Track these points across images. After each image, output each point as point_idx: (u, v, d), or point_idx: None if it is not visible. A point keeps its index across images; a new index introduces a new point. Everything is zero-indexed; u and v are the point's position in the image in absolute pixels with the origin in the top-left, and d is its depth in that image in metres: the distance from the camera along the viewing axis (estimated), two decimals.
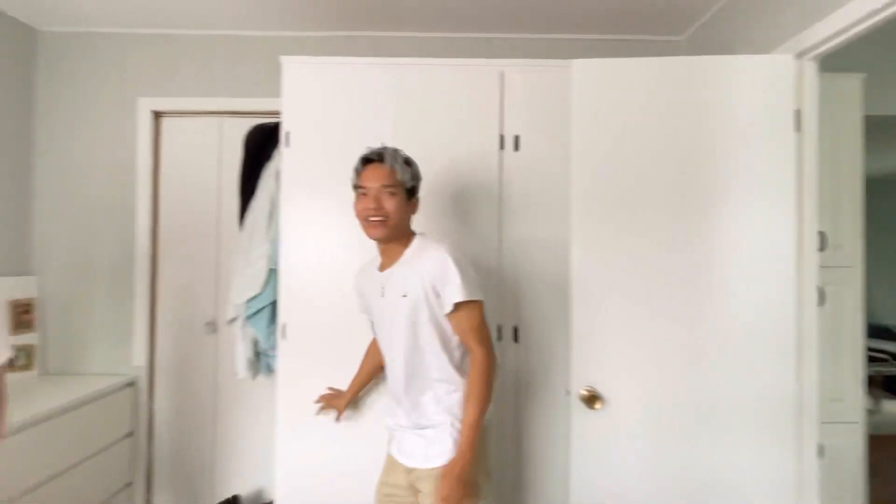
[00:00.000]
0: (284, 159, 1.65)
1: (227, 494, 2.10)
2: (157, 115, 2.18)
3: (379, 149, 1.23)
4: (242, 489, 2.13)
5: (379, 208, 1.17)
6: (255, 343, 1.78)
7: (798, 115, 1.36)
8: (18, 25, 2.07)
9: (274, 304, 1.68)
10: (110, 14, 2.02)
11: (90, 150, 2.14)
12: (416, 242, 1.24)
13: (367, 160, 1.23)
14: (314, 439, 1.61)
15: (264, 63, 2.15)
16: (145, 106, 2.14)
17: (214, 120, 2.18)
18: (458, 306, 1.14)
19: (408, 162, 1.23)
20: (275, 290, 1.66)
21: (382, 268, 1.27)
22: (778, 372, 1.33)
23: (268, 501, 2.02)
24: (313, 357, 1.61)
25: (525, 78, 1.67)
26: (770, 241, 1.35)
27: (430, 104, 1.66)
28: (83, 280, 2.12)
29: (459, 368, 1.19)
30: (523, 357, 1.66)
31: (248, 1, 1.91)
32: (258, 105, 2.11)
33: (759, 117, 1.36)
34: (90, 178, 2.14)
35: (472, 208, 1.65)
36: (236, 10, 1.99)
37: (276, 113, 2.05)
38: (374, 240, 1.23)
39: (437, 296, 1.16)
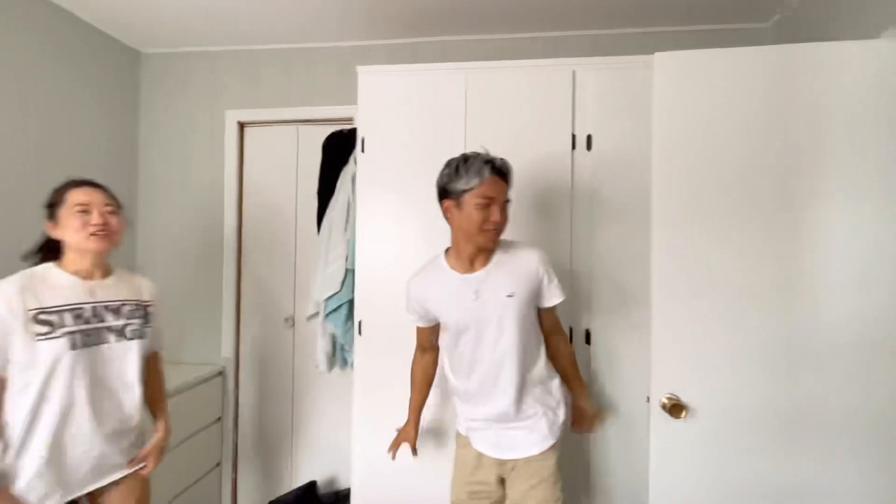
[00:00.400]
0: (360, 164, 1.73)
1: (305, 479, 2.24)
2: (242, 126, 2.35)
3: (503, 161, 1.24)
4: (319, 475, 2.26)
5: (500, 220, 1.21)
6: (333, 338, 1.89)
7: None
8: (125, 49, 2.31)
9: (351, 302, 1.77)
10: (202, 34, 2.21)
11: (185, 159, 2.36)
12: (501, 244, 1.29)
13: (495, 170, 1.21)
14: (389, 431, 1.68)
15: (336, 73, 2.27)
16: (232, 118, 2.32)
17: (292, 128, 2.33)
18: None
19: (511, 172, 1.29)
20: (352, 289, 1.75)
21: (466, 270, 1.27)
22: (889, 385, 1.22)
23: (344, 489, 2.13)
24: (387, 352, 1.68)
25: (597, 76, 1.64)
26: (878, 245, 1.24)
27: (500, 106, 1.67)
28: (179, 278, 2.34)
29: (545, 359, 1.33)
30: (594, 359, 1.64)
31: (320, 15, 2.02)
32: (332, 113, 2.24)
33: (866, 109, 1.25)
34: (185, 185, 2.36)
35: (544, 209, 1.65)
36: (310, 23, 2.10)
37: (349, 119, 2.18)
38: (484, 249, 1.26)
39: (538, 295, 1.29)
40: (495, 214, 1.19)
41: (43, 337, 1.10)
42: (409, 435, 1.46)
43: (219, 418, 2.28)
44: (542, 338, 1.35)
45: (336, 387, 2.23)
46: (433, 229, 1.68)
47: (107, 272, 1.27)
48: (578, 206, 1.64)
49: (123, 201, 1.32)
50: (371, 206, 1.72)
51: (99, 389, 1.18)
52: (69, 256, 1.20)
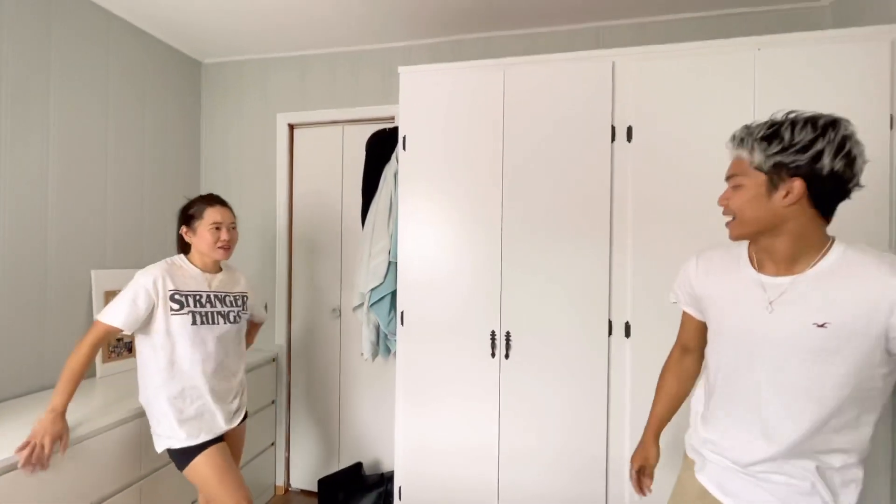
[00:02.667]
0: (401, 161, 1.81)
1: (352, 461, 2.37)
2: (291, 127, 2.50)
3: (739, 129, 0.94)
4: (364, 458, 2.39)
5: (726, 206, 0.96)
6: (377, 328, 1.99)
7: None
8: (187, 60, 2.51)
9: (394, 294, 1.86)
10: (255, 42, 2.36)
11: (241, 159, 2.54)
12: (838, 250, 0.88)
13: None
14: (431, 418, 1.76)
15: (378, 73, 2.35)
16: (282, 120, 2.47)
17: (337, 128, 2.44)
18: None
19: (768, 137, 0.87)
20: (394, 281, 1.84)
21: (765, 269, 0.95)
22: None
23: (388, 471, 2.24)
24: (428, 342, 1.76)
25: (638, 66, 1.62)
26: None
27: (539, 99, 1.69)
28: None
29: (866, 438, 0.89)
30: (635, 354, 1.63)
31: (363, 18, 2.10)
32: (375, 112, 2.33)
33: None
34: (242, 183, 2.54)
35: (583, 201, 1.65)
36: (355, 27, 2.19)
37: (391, 119, 2.27)
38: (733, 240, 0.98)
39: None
40: (723, 195, 0.98)
41: (175, 312, 1.41)
42: (648, 455, 1.19)
43: (273, 401, 2.45)
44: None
45: (380, 374, 2.34)
46: (472, 222, 1.73)
47: (219, 268, 1.58)
48: (618, 197, 1.64)
49: (188, 196, 1.51)
50: (412, 201, 1.79)
51: (212, 356, 1.47)
52: (195, 255, 1.52)
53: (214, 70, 2.57)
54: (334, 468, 2.41)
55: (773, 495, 0.92)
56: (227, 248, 1.51)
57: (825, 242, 0.90)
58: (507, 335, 1.70)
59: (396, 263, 1.83)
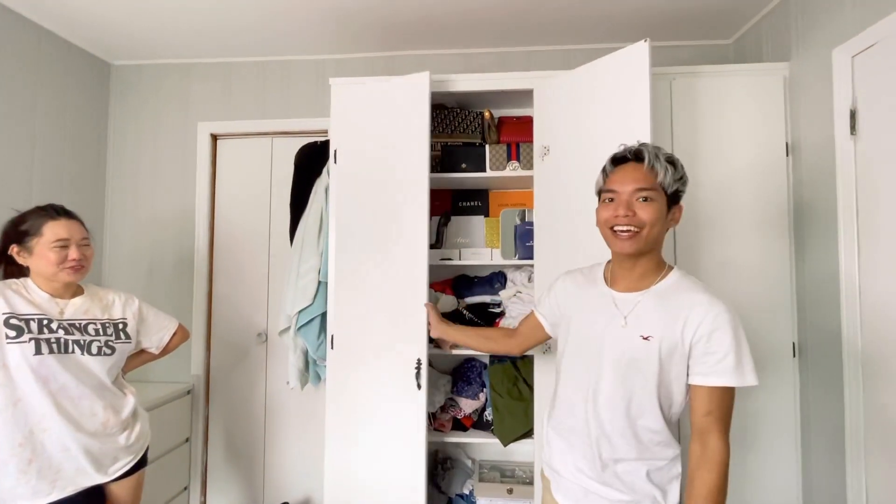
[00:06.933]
0: (332, 175, 1.72)
1: (278, 502, 2.16)
2: (215, 138, 2.32)
3: (635, 146, 0.99)
4: (292, 497, 2.19)
5: (630, 216, 0.95)
6: (306, 353, 1.85)
7: None
8: (94, 60, 2.27)
9: (324, 316, 1.74)
10: (174, 46, 2.19)
11: (155, 171, 2.31)
12: (674, 275, 1.00)
13: (618, 160, 1.01)
14: (362, 449, 1.64)
15: (310, 85, 2.26)
16: (204, 130, 2.29)
17: (266, 140, 2.31)
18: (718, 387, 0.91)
19: (671, 161, 0.97)
20: (324, 302, 1.72)
21: (619, 287, 1.03)
22: None
23: None
24: (361, 367, 1.65)
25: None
26: None
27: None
28: (147, 292, 2.26)
29: (675, 435, 1.00)
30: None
31: (296, 28, 2.02)
32: (306, 125, 2.23)
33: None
34: (155, 197, 2.30)
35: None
36: (285, 37, 2.10)
37: (324, 132, 2.17)
38: (623, 255, 1.00)
39: (688, 356, 0.93)
40: (614, 209, 1.01)
41: (12, 340, 1.14)
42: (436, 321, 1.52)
43: (187, 439, 2.19)
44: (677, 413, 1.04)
45: (310, 404, 2.17)
46: (405, 238, 1.67)
47: (76, 292, 1.30)
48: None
49: (90, 214, 1.29)
50: (344, 217, 1.70)
51: (69, 391, 1.19)
52: (37, 280, 1.24)
53: (126, 73, 2.35)
54: None
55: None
56: (79, 267, 1.23)
57: (664, 263, 1.03)
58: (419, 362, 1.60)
59: (326, 283, 1.72)
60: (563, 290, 1.16)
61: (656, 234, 0.96)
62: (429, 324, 1.56)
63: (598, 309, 1.04)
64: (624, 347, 0.97)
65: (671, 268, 1.02)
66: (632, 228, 0.95)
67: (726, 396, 0.92)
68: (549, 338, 1.25)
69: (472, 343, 1.45)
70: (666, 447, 0.98)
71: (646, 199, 0.95)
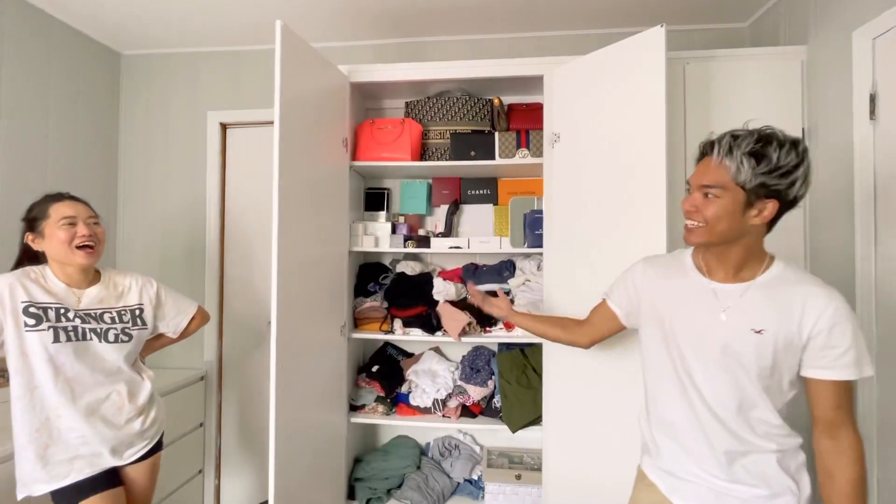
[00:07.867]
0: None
1: None
2: (224, 127, 2.33)
3: (716, 136, 0.94)
4: None
5: (693, 212, 0.94)
6: None
7: None
8: (104, 50, 2.28)
9: None
10: (183, 35, 2.19)
11: (165, 160, 2.33)
12: (777, 266, 0.95)
13: (700, 152, 0.97)
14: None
15: None
16: (214, 119, 2.30)
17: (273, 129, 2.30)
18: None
19: (755, 154, 0.87)
20: None
21: (716, 278, 0.98)
22: None
23: None
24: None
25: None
26: None
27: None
28: (159, 280, 2.28)
29: (790, 424, 0.96)
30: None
31: (304, 15, 2.01)
32: None
33: None
34: (165, 185, 2.32)
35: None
36: (293, 24, 2.09)
37: None
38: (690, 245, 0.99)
39: (802, 349, 0.90)
40: (688, 201, 0.98)
41: (30, 328, 1.16)
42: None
43: (201, 424, 2.24)
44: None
45: None
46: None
47: (93, 280, 1.30)
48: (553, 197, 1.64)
49: (103, 204, 1.30)
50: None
51: (85, 379, 1.22)
52: (55, 266, 1.24)
53: (136, 62, 2.36)
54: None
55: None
56: (91, 246, 1.22)
57: (766, 254, 0.96)
58: None
59: None
60: (644, 277, 1.09)
61: (724, 230, 0.91)
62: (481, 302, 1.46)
63: (694, 300, 0.98)
64: (728, 340, 0.92)
65: (773, 258, 0.96)
66: (696, 223, 0.94)
67: (851, 389, 0.90)
68: (623, 329, 1.16)
69: (537, 329, 1.34)
70: (787, 437, 0.94)
71: (710, 195, 0.91)
